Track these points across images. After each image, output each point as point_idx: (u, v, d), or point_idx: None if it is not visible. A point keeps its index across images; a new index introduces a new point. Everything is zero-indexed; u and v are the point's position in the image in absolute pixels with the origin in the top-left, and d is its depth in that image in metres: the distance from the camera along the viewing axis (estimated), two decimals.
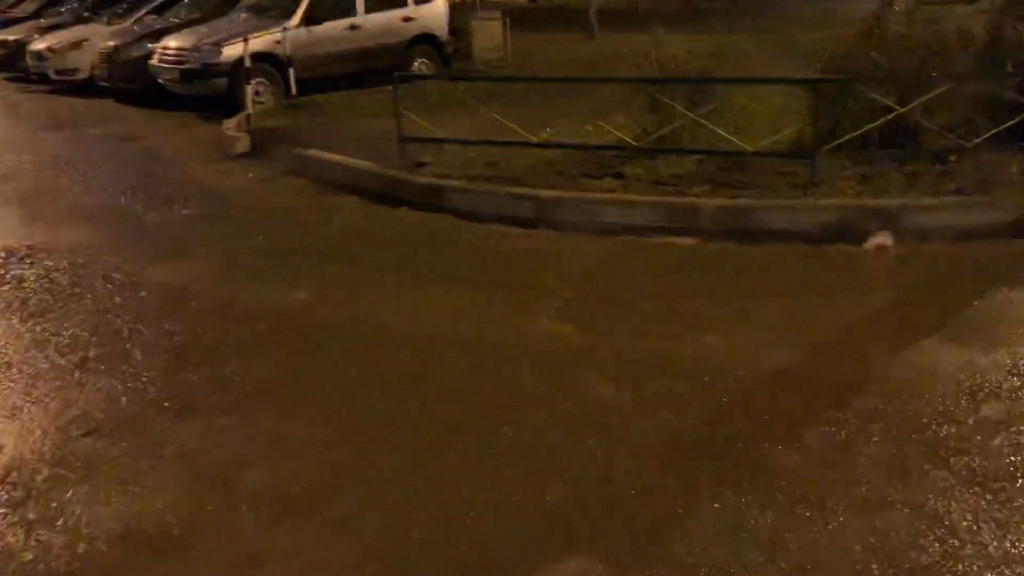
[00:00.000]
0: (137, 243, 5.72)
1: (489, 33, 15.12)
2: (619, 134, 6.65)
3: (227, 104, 10.29)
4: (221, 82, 10.33)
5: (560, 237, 5.54)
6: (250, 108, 8.90)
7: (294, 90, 10.16)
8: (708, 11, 22.41)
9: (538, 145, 6.67)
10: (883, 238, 5.12)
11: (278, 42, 10.44)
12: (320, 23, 10.97)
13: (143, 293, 4.76)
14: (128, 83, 11.87)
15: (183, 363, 3.91)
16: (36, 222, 6.32)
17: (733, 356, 3.77)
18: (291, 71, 10.17)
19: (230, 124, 8.84)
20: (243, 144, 8.15)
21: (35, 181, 7.58)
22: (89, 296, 4.75)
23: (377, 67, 11.78)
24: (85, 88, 12.70)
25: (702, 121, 6.13)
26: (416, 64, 12.04)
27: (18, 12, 17.53)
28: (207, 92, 10.49)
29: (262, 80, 10.33)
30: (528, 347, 3.95)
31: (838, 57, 6.52)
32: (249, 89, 9.06)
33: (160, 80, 10.92)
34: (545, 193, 5.90)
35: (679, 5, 26.10)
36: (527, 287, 4.71)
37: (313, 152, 7.37)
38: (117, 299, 4.69)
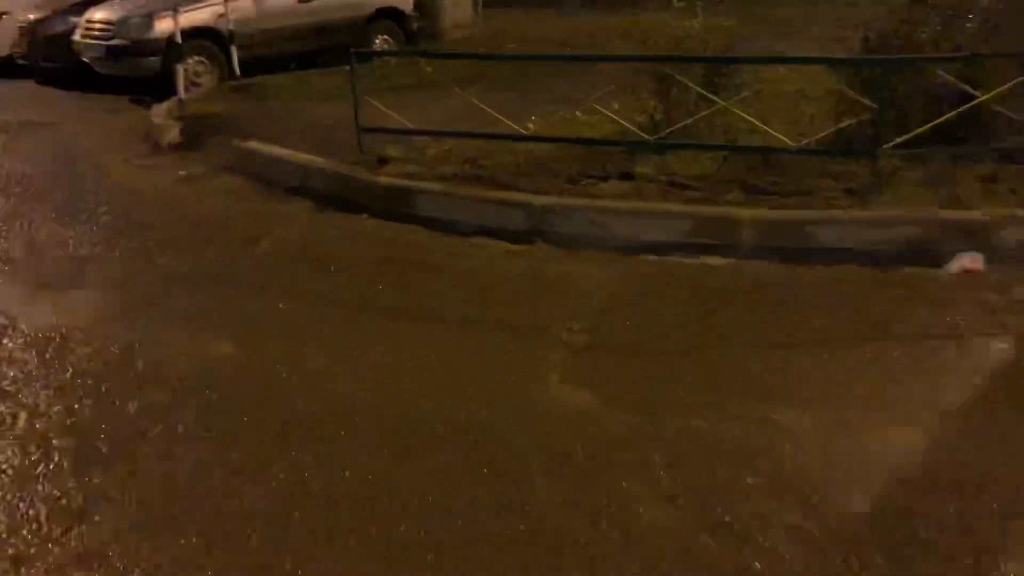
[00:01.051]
0: (17, 268, 4.46)
1: (460, 8, 13.89)
2: (623, 123, 5.51)
3: (162, 87, 8.97)
4: (153, 61, 8.97)
5: (562, 256, 4.41)
6: (183, 92, 7.60)
7: (238, 71, 8.87)
8: None
9: (527, 138, 5.51)
10: (971, 260, 4.07)
11: (220, 15, 9.10)
12: None
13: (7, 342, 3.53)
14: (50, 62, 10.44)
15: (34, 472, 2.72)
16: None
17: (830, 449, 2.69)
18: (234, 49, 8.88)
19: (160, 110, 7.55)
20: (173, 134, 6.88)
21: None
22: None
23: (333, 45, 10.49)
24: (3, 68, 11.23)
25: (735, 109, 5.01)
26: (378, 42, 10.78)
27: None
28: (137, 72, 9.13)
29: (201, 59, 9.01)
30: (537, 432, 2.82)
31: (885, 34, 5.43)
32: (183, 69, 7.74)
33: (84, 59, 9.53)
34: (540, 199, 4.75)
35: None
36: (526, 330, 3.57)
37: (253, 145, 6.13)
38: None
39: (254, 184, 5.83)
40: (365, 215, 5.14)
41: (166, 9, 9.00)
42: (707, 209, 4.48)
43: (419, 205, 5.05)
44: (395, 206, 5.11)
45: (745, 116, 5.01)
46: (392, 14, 10.91)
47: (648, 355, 3.32)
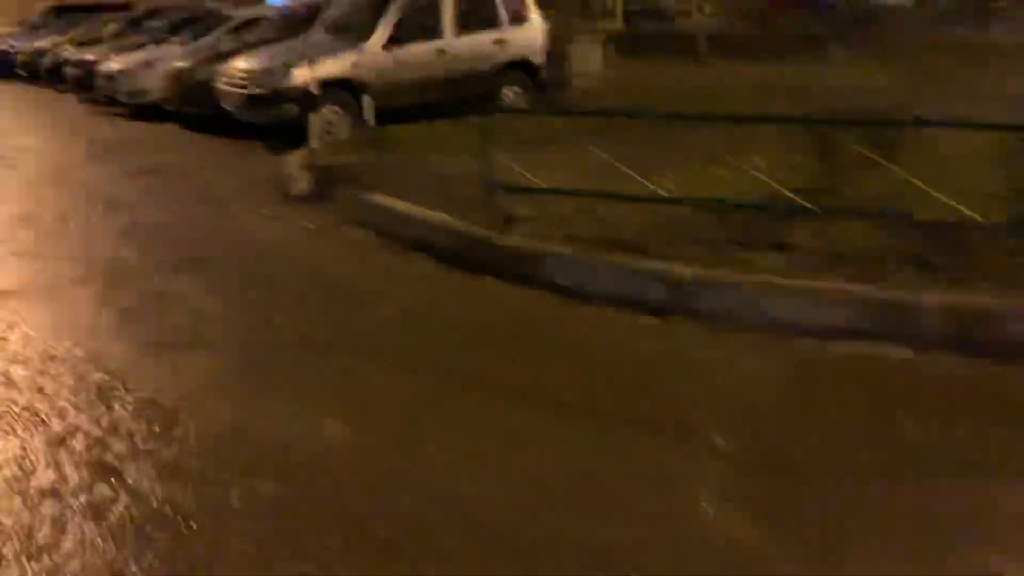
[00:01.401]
0: (135, 324, 4.33)
1: (588, 58, 13.67)
2: (773, 184, 5.00)
3: (298, 133, 9.08)
4: (290, 109, 9.08)
5: (708, 337, 3.92)
6: (315, 141, 7.59)
7: (372, 121, 8.87)
8: (824, 36, 20.53)
9: (668, 201, 5.07)
10: None
11: (356, 66, 9.19)
12: (403, 46, 9.68)
13: (117, 411, 3.35)
14: (194, 107, 10.84)
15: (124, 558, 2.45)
16: (14, 281, 5.05)
17: None
18: (368, 99, 8.90)
19: (292, 159, 7.56)
20: (302, 184, 6.83)
21: (48, 227, 6.37)
22: (42, 410, 3.37)
23: (464, 96, 10.46)
24: (154, 112, 11.77)
25: (907, 176, 4.43)
26: (507, 92, 10.66)
27: (101, 33, 17.01)
28: (274, 120, 9.28)
29: (335, 108, 9.08)
30: (689, 571, 2.34)
31: None
32: (317, 119, 7.75)
33: (225, 105, 9.80)
34: (683, 270, 4.29)
35: (789, 30, 24.27)
36: (672, 432, 3.10)
37: (379, 198, 5.95)
38: (79, 419, 3.29)
39: (379, 238, 5.63)
40: (490, 277, 4.82)
41: (304, 59, 9.16)
42: (881, 292, 3.90)
43: (548, 269, 4.69)
44: (522, 269, 4.77)
45: (921, 184, 4.41)
46: (523, 65, 10.77)
47: (821, 476, 2.78)
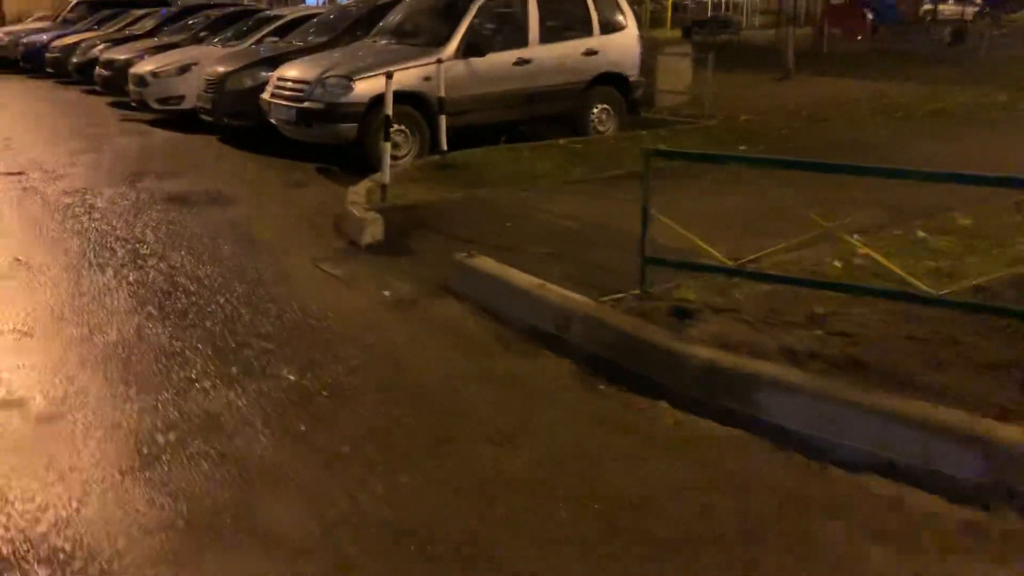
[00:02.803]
0: (123, 491, 2.82)
1: (676, 72, 12.14)
2: None
3: (357, 155, 7.63)
4: (349, 128, 7.64)
5: None
6: (387, 174, 6.10)
7: (444, 144, 7.39)
8: (898, 54, 18.98)
9: (943, 303, 3.45)
10: None
11: (427, 78, 7.71)
12: (482, 54, 8.19)
13: None
14: (235, 118, 9.43)
15: None
16: None
17: None
18: (443, 119, 7.42)
19: (357, 194, 6.07)
20: (373, 230, 5.33)
21: (36, 288, 4.93)
22: None
23: (548, 113, 9.00)
24: (189, 120, 10.40)
25: None
26: (596, 111, 9.15)
27: (136, 29, 15.74)
28: (330, 140, 7.84)
29: (401, 128, 7.62)
30: None
31: None
32: (388, 146, 6.26)
33: (272, 120, 8.36)
34: (1007, 433, 2.72)
35: (866, 45, 22.65)
36: None
37: (480, 263, 4.42)
38: None
39: (484, 320, 4.12)
40: (666, 403, 3.29)
41: (368, 68, 7.69)
42: None
43: (764, 402, 3.13)
44: (720, 397, 3.23)
45: None
46: (614, 79, 9.25)
47: None
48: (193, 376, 3.59)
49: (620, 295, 3.92)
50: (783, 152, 7.48)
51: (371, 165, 7.51)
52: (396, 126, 7.59)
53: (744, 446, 3.05)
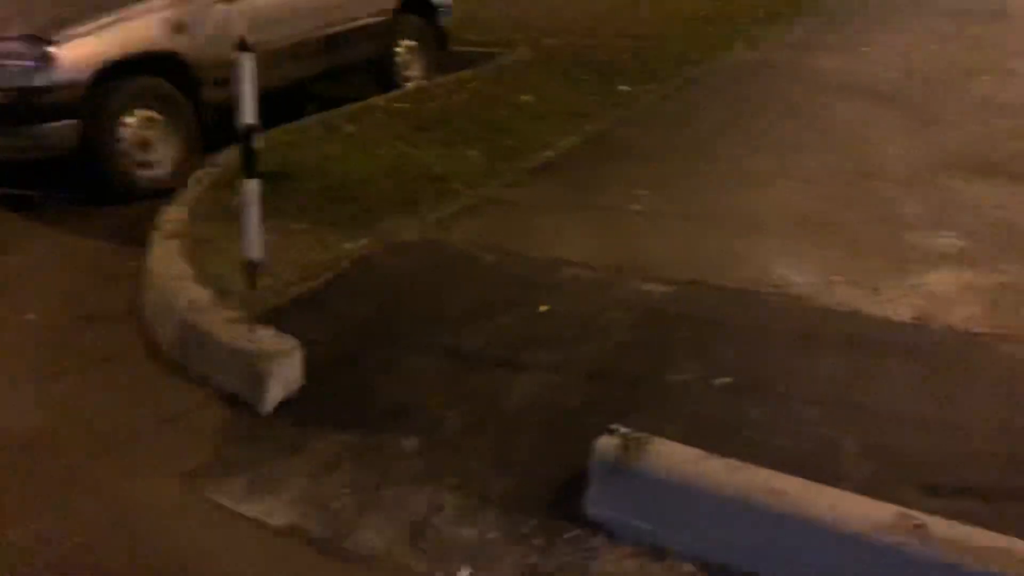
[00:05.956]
0: None
1: None
2: None
3: (89, 174, 4.74)
4: (64, 128, 4.58)
5: None
6: (255, 240, 3.24)
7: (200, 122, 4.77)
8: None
9: None
10: None
11: (180, 27, 4.90)
12: None
13: None
14: None
15: None
16: None
17: None
18: (205, 89, 4.76)
19: (196, 287, 3.30)
20: (286, 375, 2.76)
21: None
22: None
23: (349, 62, 6.49)
24: None
25: None
26: (402, 49, 6.82)
27: None
28: (33, 153, 4.68)
29: (149, 114, 4.83)
30: None
31: None
32: (253, 183, 3.33)
33: None
34: None
35: None
36: None
37: (666, 456, 2.18)
38: None
39: None
40: None
41: (79, 19, 4.66)
42: None
43: None
44: None
45: None
46: (421, 6, 6.93)
47: None
48: None
49: None
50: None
51: (120, 192, 4.73)
52: (137, 111, 4.82)
53: None
